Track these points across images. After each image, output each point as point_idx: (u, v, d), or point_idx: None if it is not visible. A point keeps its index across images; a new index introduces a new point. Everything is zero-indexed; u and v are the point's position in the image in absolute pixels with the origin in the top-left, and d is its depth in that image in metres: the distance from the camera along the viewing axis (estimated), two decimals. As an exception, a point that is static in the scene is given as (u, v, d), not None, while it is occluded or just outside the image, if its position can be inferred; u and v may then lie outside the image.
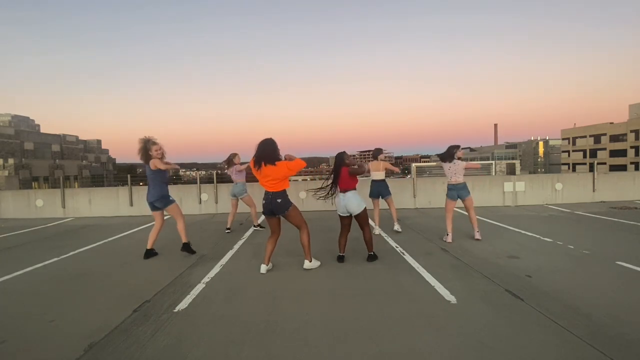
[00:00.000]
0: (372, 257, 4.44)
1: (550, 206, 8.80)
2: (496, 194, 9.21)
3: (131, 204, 9.46)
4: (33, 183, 36.11)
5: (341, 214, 4.43)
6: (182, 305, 3.25)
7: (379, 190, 6.03)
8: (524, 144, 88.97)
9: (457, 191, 5.26)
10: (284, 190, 3.98)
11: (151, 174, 4.66)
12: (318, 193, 4.41)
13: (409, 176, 13.55)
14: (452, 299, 3.21)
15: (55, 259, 5.06)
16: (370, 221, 4.62)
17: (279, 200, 3.93)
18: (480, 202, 8.63)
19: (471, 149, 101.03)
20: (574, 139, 62.18)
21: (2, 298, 3.64)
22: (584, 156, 58.87)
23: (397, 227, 6.17)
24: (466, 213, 5.51)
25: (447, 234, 5.32)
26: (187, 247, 4.95)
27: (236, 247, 5.45)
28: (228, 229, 6.57)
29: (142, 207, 9.05)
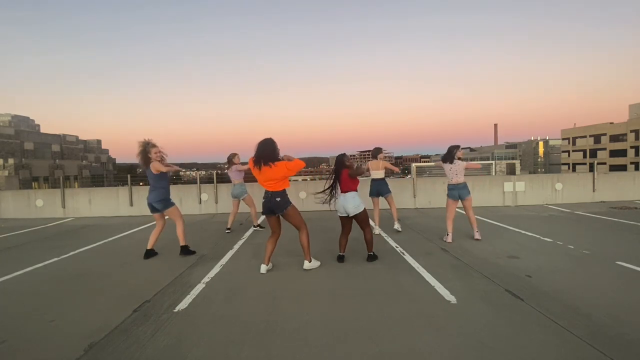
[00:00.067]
0: (372, 257, 4.44)
1: (550, 206, 8.80)
2: (496, 194, 9.21)
3: (131, 204, 9.46)
4: (33, 183, 36.11)
5: (341, 215, 4.44)
6: (182, 305, 3.25)
7: (379, 189, 6.03)
8: (524, 144, 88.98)
9: (458, 191, 5.26)
10: (284, 190, 3.98)
11: (152, 176, 4.67)
12: (318, 196, 4.43)
13: (409, 176, 13.55)
14: (452, 299, 3.21)
15: (55, 259, 5.06)
16: (370, 221, 4.63)
17: (278, 199, 3.93)
18: (480, 202, 8.64)
19: (471, 149, 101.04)
20: (574, 139, 62.19)
21: (2, 298, 3.64)
22: (584, 156, 58.88)
23: (397, 226, 6.17)
24: (465, 213, 5.51)
25: (447, 234, 5.33)
26: (185, 250, 4.97)
27: (236, 247, 5.45)
28: (228, 229, 6.57)
29: (142, 207, 9.04)
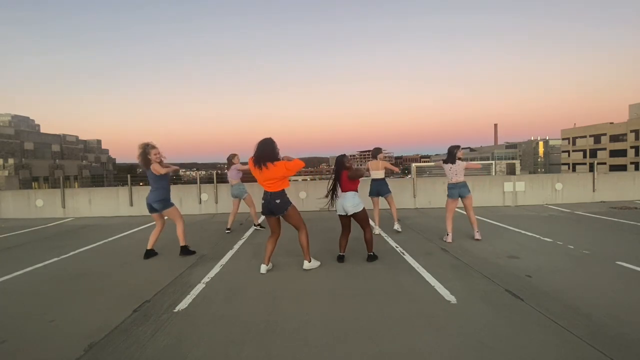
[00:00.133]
0: (372, 257, 4.44)
1: (550, 206, 8.80)
2: (496, 194, 9.21)
3: (131, 204, 9.46)
4: (33, 183, 36.11)
5: (340, 214, 4.44)
6: (182, 305, 3.25)
7: (378, 189, 6.03)
8: (524, 144, 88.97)
9: (458, 189, 5.26)
10: (283, 190, 3.98)
11: (153, 177, 4.71)
12: (322, 200, 4.45)
13: (409, 176, 13.54)
14: (452, 299, 3.21)
15: (55, 259, 5.06)
16: (370, 221, 4.63)
17: (277, 201, 3.93)
18: (480, 202, 8.64)
19: (471, 149, 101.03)
20: (574, 139, 62.18)
21: (2, 298, 3.64)
22: (584, 156, 58.88)
23: (397, 226, 6.17)
24: (465, 213, 5.51)
25: (447, 234, 5.33)
26: (185, 251, 4.98)
27: (236, 247, 5.45)
28: (228, 229, 6.57)
29: (142, 207, 9.04)
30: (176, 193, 9.11)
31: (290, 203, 4.03)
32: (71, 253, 5.37)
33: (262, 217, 7.13)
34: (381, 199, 6.12)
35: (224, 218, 7.70)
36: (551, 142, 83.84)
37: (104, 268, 4.56)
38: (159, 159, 4.71)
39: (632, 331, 2.55)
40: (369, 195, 6.09)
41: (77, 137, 50.08)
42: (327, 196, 4.45)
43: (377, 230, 5.90)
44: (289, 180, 4.12)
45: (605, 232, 5.82)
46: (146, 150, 4.65)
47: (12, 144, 38.09)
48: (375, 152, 6.16)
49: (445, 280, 3.65)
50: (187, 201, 9.37)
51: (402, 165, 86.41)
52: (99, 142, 55.01)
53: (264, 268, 4.10)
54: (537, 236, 5.53)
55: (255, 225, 6.77)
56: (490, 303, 3.10)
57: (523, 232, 5.89)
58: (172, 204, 4.86)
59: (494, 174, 16.94)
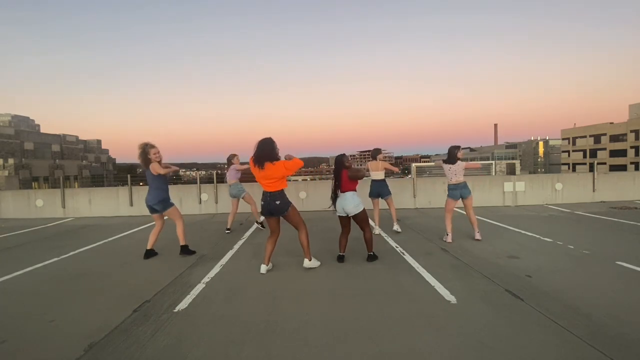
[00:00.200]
0: (372, 257, 4.44)
1: (550, 206, 8.80)
2: (496, 194, 9.21)
3: (131, 204, 9.46)
4: (33, 183, 36.11)
5: (340, 215, 4.44)
6: (182, 305, 3.25)
7: (379, 190, 6.03)
8: (524, 144, 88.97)
9: (459, 190, 5.27)
10: (282, 191, 3.99)
11: (151, 177, 4.72)
12: (331, 208, 4.49)
13: (409, 176, 13.54)
14: (452, 299, 3.21)
15: (55, 259, 5.06)
16: (370, 221, 4.63)
17: (277, 202, 3.94)
18: (480, 202, 8.63)
19: (471, 149, 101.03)
20: (574, 139, 62.18)
21: (2, 298, 3.64)
22: (584, 156, 58.87)
23: (396, 227, 6.17)
24: (465, 213, 5.51)
25: (447, 234, 5.33)
26: (185, 250, 4.98)
27: (236, 247, 5.45)
28: (228, 229, 6.57)
29: (142, 207, 9.03)
30: (176, 193, 9.12)
31: (290, 203, 4.04)
32: (71, 253, 5.37)
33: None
34: (381, 199, 6.12)
35: (224, 218, 7.70)
36: (551, 142, 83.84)
37: (104, 268, 4.56)
38: (159, 158, 4.73)
39: (632, 331, 2.55)
40: (369, 196, 6.09)
41: (77, 137, 50.08)
42: (331, 198, 4.46)
43: (377, 230, 5.90)
44: (288, 181, 4.13)
45: (605, 232, 5.82)
46: (145, 149, 4.67)
47: (12, 144, 38.09)
48: (375, 153, 6.16)
49: (445, 280, 3.65)
50: (187, 201, 9.37)
51: (402, 165, 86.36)
52: (99, 142, 55.02)
53: (264, 268, 4.11)
54: (537, 236, 5.53)
55: (257, 222, 6.78)
56: (490, 303, 3.10)
57: (523, 232, 5.89)
58: (172, 204, 4.87)
59: (494, 174, 16.93)
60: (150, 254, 4.90)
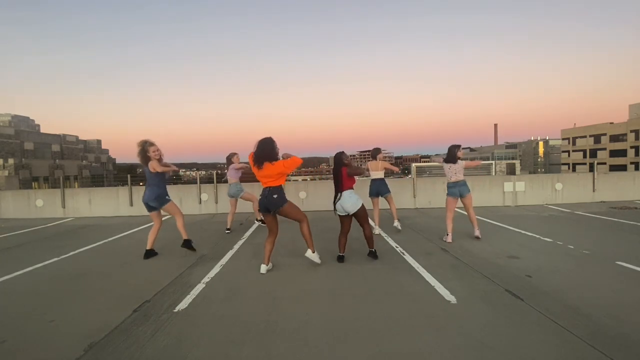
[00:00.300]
0: (372, 254, 4.45)
1: (550, 206, 8.80)
2: (496, 194, 9.21)
3: (131, 204, 9.46)
4: (33, 183, 36.11)
5: (339, 214, 4.45)
6: (182, 305, 3.25)
7: (378, 189, 6.03)
8: (524, 144, 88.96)
9: (458, 188, 5.27)
10: (280, 186, 4.02)
11: (150, 175, 4.72)
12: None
13: (409, 176, 13.55)
14: (452, 299, 3.21)
15: (55, 259, 5.06)
16: (370, 221, 4.63)
17: (275, 196, 3.96)
18: (480, 202, 8.63)
19: (471, 149, 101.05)
20: (574, 139, 62.17)
21: (2, 298, 3.64)
22: (584, 156, 58.87)
23: (396, 224, 6.17)
24: (466, 213, 5.51)
25: (447, 234, 5.32)
26: (188, 244, 4.98)
27: (236, 247, 5.45)
28: (228, 229, 6.57)
29: (142, 207, 8.98)
30: (176, 193, 9.12)
31: (287, 200, 4.06)
32: (71, 253, 5.37)
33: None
34: (381, 199, 6.12)
35: (223, 218, 7.69)
36: (551, 142, 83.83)
37: (104, 268, 4.56)
38: (158, 155, 4.73)
39: (632, 331, 2.55)
40: (369, 196, 6.09)
41: (77, 137, 50.08)
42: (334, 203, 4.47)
43: (377, 230, 5.90)
44: (288, 181, 4.14)
45: (605, 232, 5.82)
46: (144, 147, 4.67)
47: (12, 144, 38.09)
48: (375, 153, 6.16)
49: (445, 280, 3.65)
50: (187, 201, 9.37)
51: (402, 165, 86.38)
52: (99, 142, 55.02)
53: (264, 268, 4.10)
54: (537, 236, 5.53)
55: (257, 220, 6.78)
56: (490, 303, 3.10)
57: (523, 232, 5.89)
58: (169, 200, 4.87)
59: (494, 174, 16.93)
60: (150, 254, 4.90)
